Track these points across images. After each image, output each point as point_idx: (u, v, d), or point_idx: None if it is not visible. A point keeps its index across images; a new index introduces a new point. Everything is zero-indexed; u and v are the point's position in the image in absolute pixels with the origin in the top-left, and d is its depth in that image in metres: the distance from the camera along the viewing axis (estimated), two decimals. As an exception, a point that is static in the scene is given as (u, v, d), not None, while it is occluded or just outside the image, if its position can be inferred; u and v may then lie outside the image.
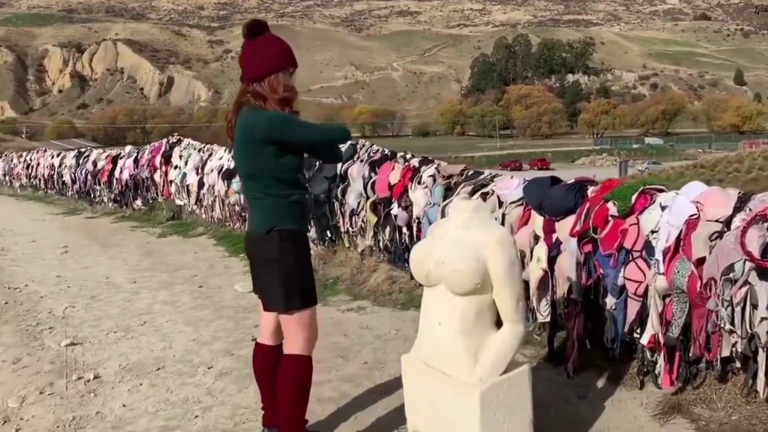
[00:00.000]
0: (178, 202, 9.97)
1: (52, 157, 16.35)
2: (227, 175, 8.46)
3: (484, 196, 5.03)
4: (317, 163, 7.03)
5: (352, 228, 6.49)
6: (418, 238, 5.61)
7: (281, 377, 3.31)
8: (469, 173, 5.44)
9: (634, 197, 4.03)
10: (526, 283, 4.75)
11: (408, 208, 5.72)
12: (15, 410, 4.10)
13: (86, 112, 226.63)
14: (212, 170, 8.82)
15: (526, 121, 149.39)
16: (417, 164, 5.90)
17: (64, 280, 7.30)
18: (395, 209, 5.85)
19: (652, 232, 3.86)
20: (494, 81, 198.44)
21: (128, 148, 12.51)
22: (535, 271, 4.56)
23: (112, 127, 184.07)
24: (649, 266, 3.84)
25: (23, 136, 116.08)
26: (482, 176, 5.26)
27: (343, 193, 6.53)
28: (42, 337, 5.40)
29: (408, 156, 6.13)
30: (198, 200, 9.30)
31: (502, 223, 4.81)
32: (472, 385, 3.17)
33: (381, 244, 6.17)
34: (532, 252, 4.62)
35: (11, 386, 4.44)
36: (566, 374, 4.23)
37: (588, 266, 4.26)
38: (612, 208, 4.10)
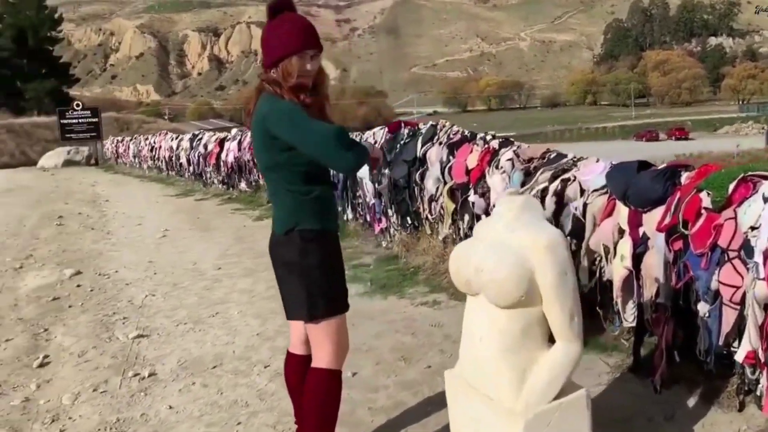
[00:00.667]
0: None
1: (172, 140, 16.91)
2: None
3: (565, 183, 4.49)
4: (398, 144, 6.67)
5: (431, 215, 6.08)
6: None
7: (306, 393, 3.00)
8: (551, 156, 4.88)
9: (731, 186, 3.38)
10: (603, 289, 4.21)
11: (485, 194, 5.24)
12: (66, 408, 4.04)
13: (223, 93, 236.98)
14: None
15: (664, 89, 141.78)
16: (497, 146, 5.40)
17: (153, 266, 7.36)
18: (472, 196, 5.39)
19: (752, 228, 3.21)
20: (629, 47, 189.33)
21: (234, 130, 12.64)
22: (618, 269, 3.99)
23: (247, 107, 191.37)
24: (747, 269, 3.21)
25: (165, 117, 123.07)
26: (564, 160, 4.70)
27: (422, 177, 6.13)
28: (114, 329, 5.39)
29: (488, 137, 5.62)
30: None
31: (584, 214, 4.26)
32: (517, 412, 2.74)
33: (461, 232, 5.72)
34: (615, 248, 4.06)
35: (70, 382, 4.41)
36: (653, 388, 3.68)
37: (678, 266, 3.66)
38: (705, 200, 3.47)
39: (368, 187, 7.06)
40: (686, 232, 3.54)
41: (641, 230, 3.90)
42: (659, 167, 3.92)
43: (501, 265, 2.75)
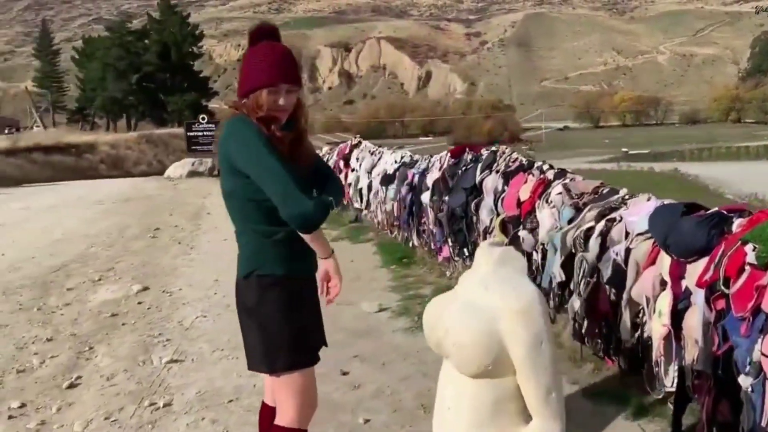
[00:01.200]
0: (356, 205, 9.77)
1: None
2: (385, 180, 8.03)
3: (611, 223, 4.01)
4: (459, 171, 6.33)
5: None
6: (542, 268, 4.70)
7: (267, 452, 2.77)
8: (604, 191, 4.40)
9: (781, 240, 2.85)
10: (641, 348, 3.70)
11: (535, 230, 4.81)
12: (73, 436, 4.01)
13: (352, 108, 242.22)
14: (378, 174, 8.46)
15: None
16: (551, 177, 4.96)
17: (217, 285, 7.36)
18: (522, 230, 4.97)
19: (800, 293, 2.67)
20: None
21: (325, 148, 12.64)
22: (657, 327, 3.49)
23: (374, 121, 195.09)
24: (793, 342, 2.68)
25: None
26: (615, 196, 4.22)
27: (477, 207, 5.75)
28: (152, 351, 5.37)
29: (545, 167, 5.18)
30: (368, 205, 9.01)
31: (626, 261, 3.78)
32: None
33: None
34: (656, 301, 3.55)
35: (88, 407, 4.39)
36: (692, 466, 3.17)
37: (720, 329, 3.13)
38: (750, 254, 2.94)
39: (430, 214, 6.76)
40: (726, 291, 3.02)
41: (683, 283, 3.39)
42: (707, 212, 3.40)
43: (466, 330, 2.42)
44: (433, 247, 6.94)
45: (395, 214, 7.78)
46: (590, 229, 4.11)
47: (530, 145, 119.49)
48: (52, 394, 4.65)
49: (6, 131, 77.54)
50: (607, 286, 3.84)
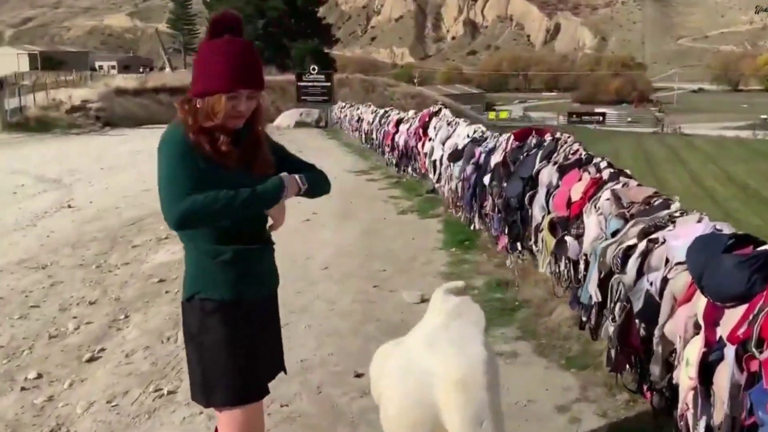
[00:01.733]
0: (430, 176, 9.37)
1: (372, 113, 16.97)
2: (453, 157, 7.57)
3: (653, 244, 3.47)
4: (521, 156, 5.80)
5: (536, 246, 5.20)
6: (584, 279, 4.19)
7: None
8: (656, 202, 3.83)
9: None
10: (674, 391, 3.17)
11: (580, 237, 4.30)
12: (72, 419, 3.96)
13: (474, 59, 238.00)
14: (450, 148, 8.00)
15: None
16: (607, 178, 4.39)
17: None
18: (569, 235, 4.46)
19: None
20: None
21: (411, 112, 12.24)
22: (684, 378, 2.97)
23: (496, 73, 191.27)
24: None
25: (414, 81, 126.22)
26: (665, 212, 3.64)
27: (531, 200, 5.24)
28: (179, 327, 5.28)
29: (603, 164, 4.59)
30: (439, 178, 8.59)
31: (661, 292, 3.25)
32: None
33: (562, 274, 4.81)
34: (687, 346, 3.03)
35: (97, 387, 4.34)
36: None
37: (749, 396, 2.60)
38: (789, 315, 2.39)
39: (489, 199, 6.29)
40: (758, 355, 2.49)
41: (718, 331, 2.85)
42: (756, 249, 2.82)
43: (396, 396, 2.05)
44: (493, 233, 6.48)
45: (459, 194, 7.35)
46: (631, 248, 3.57)
47: (660, 106, 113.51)
48: (70, 367, 4.65)
49: (140, 70, 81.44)
50: (636, 321, 3.33)
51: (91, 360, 4.75)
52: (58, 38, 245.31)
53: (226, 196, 2.18)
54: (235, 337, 2.42)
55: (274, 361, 2.64)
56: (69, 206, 10.19)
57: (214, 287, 2.39)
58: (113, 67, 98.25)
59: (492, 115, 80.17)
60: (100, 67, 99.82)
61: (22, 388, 4.32)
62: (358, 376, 4.41)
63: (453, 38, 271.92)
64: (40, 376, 4.49)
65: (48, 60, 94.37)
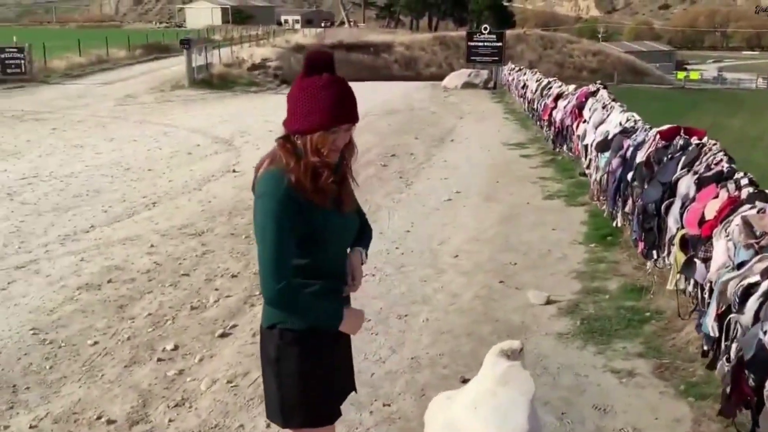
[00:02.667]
0: (582, 160, 9.00)
1: (536, 81, 16.43)
2: (600, 146, 7.20)
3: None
4: (665, 157, 5.44)
5: (668, 259, 4.89)
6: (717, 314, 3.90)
7: None
8: (792, 237, 3.47)
9: None
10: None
11: (707, 262, 4.00)
12: (196, 395, 4.29)
13: (667, 13, 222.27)
14: (601, 134, 7.62)
15: None
16: (745, 198, 4.03)
17: (407, 237, 7.34)
18: (697, 256, 4.16)
19: None
20: None
21: (571, 87, 11.73)
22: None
23: (690, 29, 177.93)
24: None
25: (599, 36, 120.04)
26: (798, 250, 3.30)
27: (667, 209, 4.92)
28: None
29: (744, 181, 4.19)
30: (589, 164, 8.22)
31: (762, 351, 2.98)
32: None
33: (690, 294, 4.51)
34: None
35: (222, 364, 4.66)
36: None
37: None
38: None
39: (629, 199, 5.96)
40: None
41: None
42: None
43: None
44: (632, 235, 6.16)
45: (603, 186, 7.02)
46: (753, 286, 3.28)
47: None
48: (204, 341, 5.04)
49: (322, 25, 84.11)
50: (746, 372, 3.08)
51: (222, 336, 5.11)
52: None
53: (313, 308, 2.37)
54: (312, 367, 2.51)
55: (346, 383, 2.73)
56: (234, 171, 10.84)
57: (298, 317, 2.48)
58: (297, 22, 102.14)
59: (681, 75, 74.67)
60: (285, 22, 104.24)
61: (159, 359, 4.75)
62: (464, 381, 4.42)
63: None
64: (176, 347, 4.91)
65: (238, 14, 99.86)
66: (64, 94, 22.78)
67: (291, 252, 2.30)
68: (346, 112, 2.34)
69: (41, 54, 29.56)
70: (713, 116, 44.61)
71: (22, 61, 25.77)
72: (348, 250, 2.52)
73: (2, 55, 25.60)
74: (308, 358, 2.49)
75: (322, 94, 2.34)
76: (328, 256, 2.44)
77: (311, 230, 2.33)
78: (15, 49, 25.96)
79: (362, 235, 2.69)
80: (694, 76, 75.64)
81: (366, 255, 2.61)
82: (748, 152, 25.98)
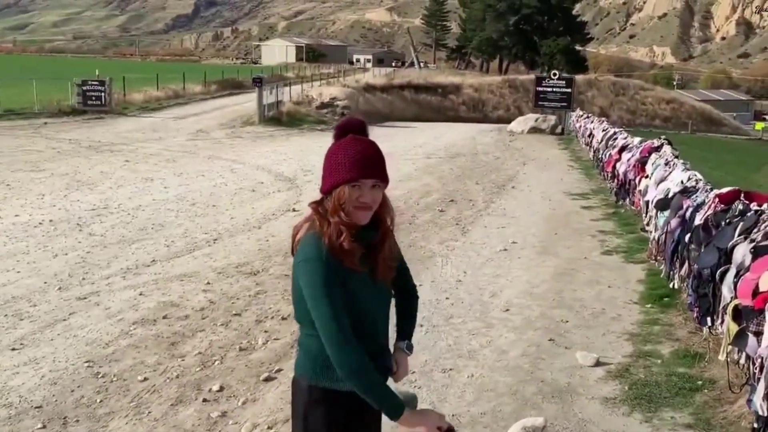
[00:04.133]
0: (643, 216, 8.82)
1: (602, 131, 16.26)
2: (660, 204, 7.06)
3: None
4: (723, 222, 5.30)
5: (721, 327, 4.74)
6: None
7: None
8: None
9: None
10: None
11: (761, 335, 3.87)
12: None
13: (746, 62, 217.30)
14: (662, 192, 7.47)
15: None
16: (803, 272, 3.89)
17: (458, 286, 7.32)
18: (750, 329, 4.02)
19: None
20: None
21: (636, 140, 11.55)
22: None
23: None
24: None
25: (675, 83, 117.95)
26: None
27: (722, 276, 4.78)
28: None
29: (803, 253, 4.05)
30: (649, 221, 8.05)
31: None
32: None
33: (742, 367, 4.36)
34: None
35: (264, 409, 4.73)
36: None
37: None
38: None
39: (686, 261, 5.81)
40: None
41: None
42: None
43: None
44: (687, 299, 6.00)
45: (662, 246, 6.86)
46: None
47: None
48: (248, 384, 5.12)
49: (393, 64, 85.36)
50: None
51: (267, 380, 5.18)
52: (323, 31, 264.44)
53: (374, 389, 2.35)
54: (338, 427, 2.54)
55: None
56: (293, 210, 11.04)
57: (325, 377, 2.51)
58: (368, 61, 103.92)
59: (759, 125, 72.47)
60: (357, 60, 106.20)
61: (204, 400, 4.84)
62: (503, 444, 4.37)
63: (723, 39, 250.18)
64: (221, 389, 5.01)
65: (311, 52, 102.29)
66: (140, 127, 23.70)
67: (346, 317, 2.32)
68: (367, 166, 2.36)
69: (121, 86, 30.92)
70: (792, 170, 43.15)
71: (103, 94, 26.95)
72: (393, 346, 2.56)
73: (84, 87, 26.83)
74: (334, 416, 2.51)
75: (344, 151, 2.39)
76: (368, 319, 2.45)
77: (349, 295, 2.36)
78: (96, 82, 27.19)
79: (406, 314, 2.72)
80: (773, 126, 73.26)
81: (411, 347, 2.64)
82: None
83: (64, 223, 9.72)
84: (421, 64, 77.30)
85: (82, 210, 10.62)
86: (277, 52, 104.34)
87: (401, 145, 20.75)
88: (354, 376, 2.32)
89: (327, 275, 2.33)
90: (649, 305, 6.77)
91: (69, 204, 11.04)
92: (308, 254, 2.40)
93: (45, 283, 7.15)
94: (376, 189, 2.42)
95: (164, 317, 6.32)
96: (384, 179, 2.46)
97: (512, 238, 9.44)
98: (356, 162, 2.39)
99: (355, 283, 2.40)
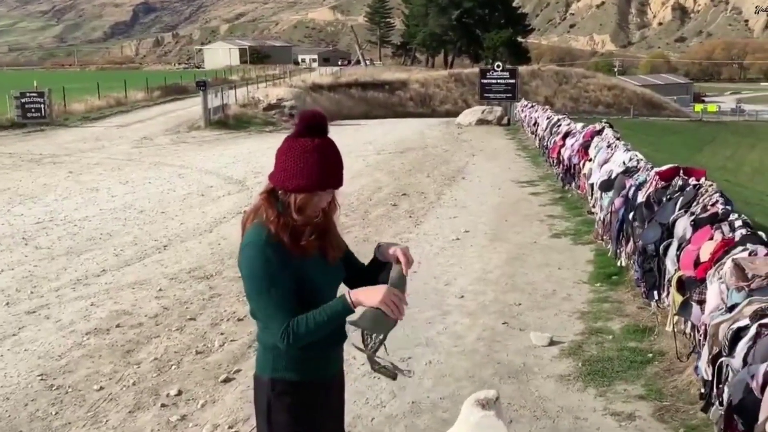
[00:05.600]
0: (588, 199, 9.03)
1: (546, 119, 16.55)
2: (604, 186, 7.25)
3: (765, 329, 3.19)
4: (664, 198, 5.47)
5: (667, 300, 4.90)
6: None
7: None
8: (782, 280, 3.49)
9: None
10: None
11: (703, 303, 4.01)
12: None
13: (683, 46, 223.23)
14: (606, 173, 7.66)
15: None
16: (738, 239, 4.05)
17: (413, 281, 7.37)
18: (693, 298, 4.17)
19: None
20: None
21: (579, 125, 11.81)
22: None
23: (707, 62, 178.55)
24: None
25: (615, 70, 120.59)
26: (786, 295, 3.32)
27: (665, 250, 4.94)
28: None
29: (738, 222, 4.21)
30: (595, 203, 8.25)
31: (762, 389, 2.98)
32: None
33: (688, 336, 4.51)
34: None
35: (224, 409, 4.71)
36: None
37: None
38: None
39: (631, 239, 5.98)
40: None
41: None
42: None
43: None
44: (633, 275, 6.17)
45: (607, 226, 7.05)
46: (743, 329, 3.30)
47: None
48: (206, 386, 5.08)
49: (339, 63, 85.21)
50: (735, 417, 3.08)
51: (225, 381, 5.15)
52: (266, 32, 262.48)
53: (318, 319, 2.31)
54: (302, 419, 2.54)
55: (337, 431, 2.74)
56: (244, 212, 10.95)
57: (286, 369, 2.51)
58: (314, 61, 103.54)
59: (699, 107, 74.63)
60: (303, 60, 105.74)
61: (162, 405, 4.80)
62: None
63: (659, 24, 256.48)
64: (179, 393, 4.96)
65: (255, 54, 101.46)
66: (82, 137, 23.20)
67: (291, 298, 2.33)
68: (331, 177, 2.40)
69: (61, 97, 30.21)
70: (732, 149, 44.52)
71: (42, 105, 26.29)
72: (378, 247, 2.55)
73: (23, 100, 26.13)
74: (298, 408, 2.52)
75: (312, 157, 2.39)
76: (321, 298, 2.42)
77: (300, 279, 2.39)
78: (35, 94, 26.52)
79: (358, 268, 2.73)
80: (711, 108, 75.53)
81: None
82: (768, 185, 25.86)
83: (8, 238, 9.48)
84: (367, 62, 77.44)
85: (26, 224, 10.37)
86: (221, 55, 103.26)
87: (351, 142, 20.73)
88: (301, 339, 2.31)
89: (268, 260, 2.34)
90: (598, 284, 6.94)
91: (12, 218, 10.77)
92: (249, 240, 2.42)
93: (-9, 299, 6.98)
94: (331, 193, 2.48)
95: (117, 326, 6.23)
96: (340, 186, 2.50)
97: (464, 227, 9.56)
98: (323, 173, 2.39)
99: (307, 266, 2.42)
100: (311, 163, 2.37)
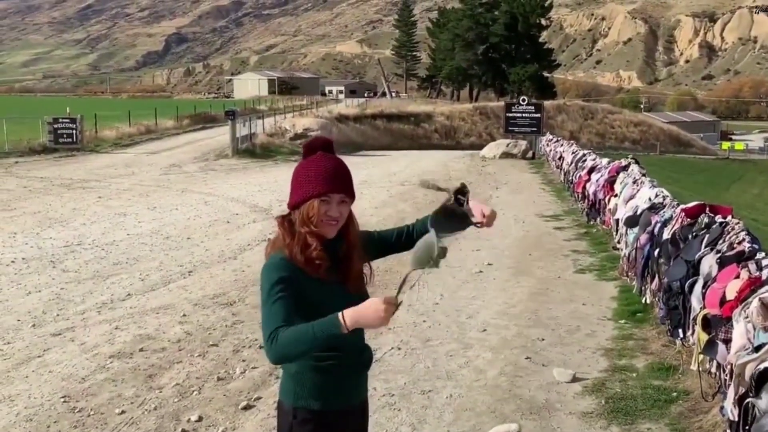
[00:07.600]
0: (614, 235, 8.97)
1: (572, 154, 16.52)
2: (629, 222, 7.21)
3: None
4: (690, 235, 5.43)
5: (692, 338, 4.83)
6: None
7: None
8: (811, 321, 3.44)
9: None
10: None
11: (729, 342, 3.96)
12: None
13: (710, 84, 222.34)
14: (631, 209, 7.62)
15: None
16: (765, 278, 4.00)
17: (434, 313, 7.36)
18: (720, 336, 4.12)
19: None
20: None
21: (605, 160, 11.78)
22: None
23: (734, 99, 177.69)
24: None
25: (642, 106, 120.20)
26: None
27: (690, 288, 4.89)
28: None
29: (766, 261, 4.17)
30: (620, 239, 8.20)
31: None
32: None
33: (713, 376, 4.44)
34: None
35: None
36: None
37: None
38: None
39: (656, 276, 5.93)
40: None
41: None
42: None
43: None
44: (658, 313, 6.11)
45: (632, 262, 6.99)
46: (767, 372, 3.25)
47: None
48: (227, 413, 5.09)
49: (365, 95, 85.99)
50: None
51: (246, 408, 5.16)
52: (295, 64, 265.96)
53: (305, 332, 2.24)
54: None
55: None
56: (269, 239, 11.02)
57: (308, 397, 2.52)
58: (341, 92, 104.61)
59: (726, 145, 73.96)
60: (330, 92, 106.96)
61: (183, 430, 4.81)
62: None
63: (686, 62, 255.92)
64: (200, 419, 4.97)
65: (284, 85, 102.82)
66: (112, 163, 23.58)
67: (290, 311, 2.30)
68: (335, 181, 2.44)
69: (93, 124, 30.79)
70: (759, 187, 43.97)
71: (74, 131, 26.81)
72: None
73: (55, 125, 26.68)
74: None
75: (312, 166, 2.47)
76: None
77: (315, 303, 2.38)
78: (68, 120, 27.06)
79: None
80: (739, 146, 74.85)
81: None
82: (795, 225, 25.41)
83: (37, 261, 9.62)
84: (393, 94, 78.02)
85: (55, 247, 10.53)
86: (250, 85, 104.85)
87: (376, 173, 20.85)
88: (286, 347, 2.24)
89: (277, 281, 2.36)
90: (622, 321, 6.87)
91: (42, 241, 10.94)
92: (268, 262, 2.46)
93: (18, 320, 7.06)
94: (343, 204, 2.50)
95: (141, 350, 6.27)
96: (351, 195, 2.54)
97: (487, 260, 9.53)
98: (325, 177, 2.46)
99: (325, 291, 2.44)
100: (312, 170, 2.46)
